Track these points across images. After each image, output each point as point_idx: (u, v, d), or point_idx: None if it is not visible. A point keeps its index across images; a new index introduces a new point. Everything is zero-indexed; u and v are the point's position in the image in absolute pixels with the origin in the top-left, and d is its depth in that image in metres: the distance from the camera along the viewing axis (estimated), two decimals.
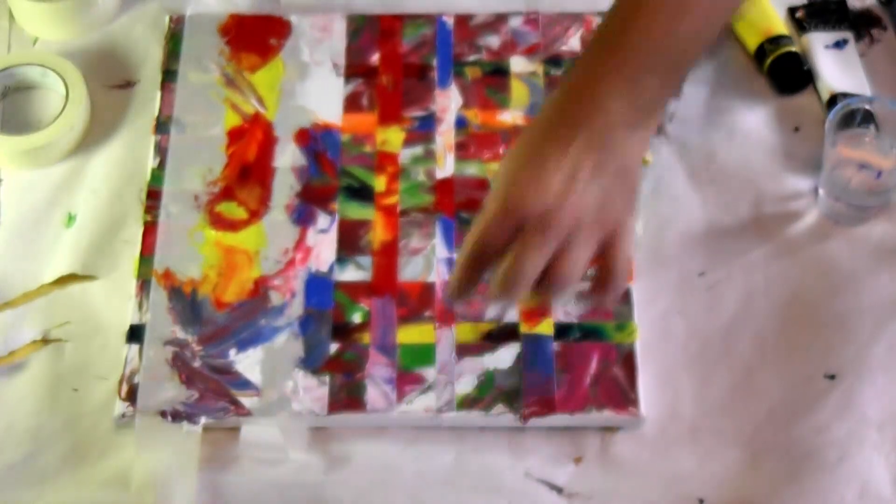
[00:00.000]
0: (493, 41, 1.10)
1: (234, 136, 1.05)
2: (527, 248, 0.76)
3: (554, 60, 1.08)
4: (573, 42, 1.09)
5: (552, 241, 0.76)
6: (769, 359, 0.95)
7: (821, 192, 1.01)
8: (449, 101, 1.07)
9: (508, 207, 0.76)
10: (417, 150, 1.04)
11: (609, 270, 0.79)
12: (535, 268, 0.76)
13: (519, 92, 1.07)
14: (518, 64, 1.08)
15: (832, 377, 0.94)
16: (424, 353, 0.94)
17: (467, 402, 0.92)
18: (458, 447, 0.91)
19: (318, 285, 0.98)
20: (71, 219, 1.02)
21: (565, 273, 0.77)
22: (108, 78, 1.10)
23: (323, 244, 0.99)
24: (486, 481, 0.90)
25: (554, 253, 0.76)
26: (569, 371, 0.93)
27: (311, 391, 0.93)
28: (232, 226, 1.00)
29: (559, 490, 0.90)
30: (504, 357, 0.94)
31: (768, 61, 1.07)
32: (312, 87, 1.08)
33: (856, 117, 0.99)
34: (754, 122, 1.06)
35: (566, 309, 0.96)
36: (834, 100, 1.05)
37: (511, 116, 1.06)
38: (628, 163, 0.79)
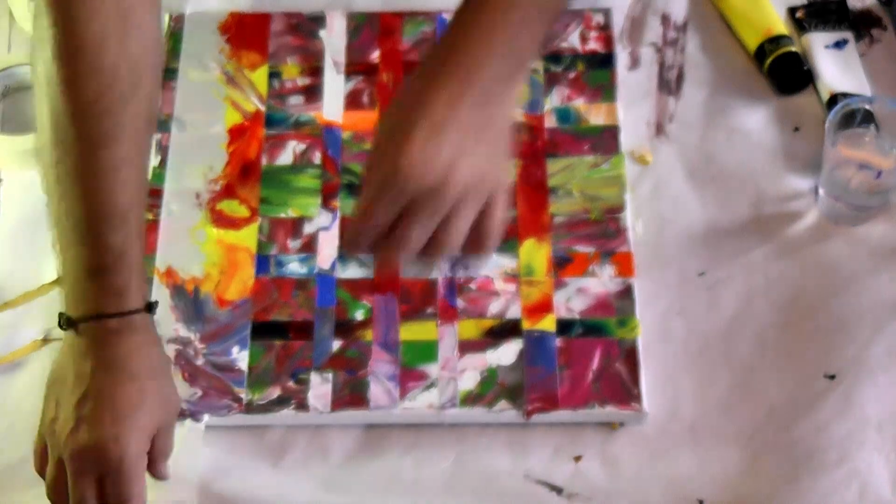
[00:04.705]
0: None
1: (235, 133, 1.05)
2: (416, 221, 0.77)
3: (553, 57, 1.08)
4: (573, 38, 1.09)
5: (440, 214, 0.77)
6: (769, 359, 0.95)
7: (821, 192, 1.01)
8: None
9: (401, 186, 0.76)
10: None
11: (484, 232, 0.80)
12: (421, 239, 0.78)
13: None
14: None
15: (832, 377, 0.94)
16: (427, 350, 0.94)
17: (470, 399, 0.92)
18: (458, 448, 0.91)
19: (320, 282, 0.98)
20: None
21: (449, 240, 0.78)
22: None
23: (325, 241, 0.99)
24: (485, 485, 0.90)
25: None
26: (571, 367, 0.93)
27: (314, 388, 0.93)
28: (233, 224, 1.00)
29: (559, 490, 0.90)
30: (506, 353, 0.94)
31: (768, 61, 1.07)
32: None
33: (856, 117, 1.00)
34: (754, 122, 1.06)
35: (568, 305, 0.96)
36: (834, 100, 1.05)
37: None
38: (504, 125, 0.80)
